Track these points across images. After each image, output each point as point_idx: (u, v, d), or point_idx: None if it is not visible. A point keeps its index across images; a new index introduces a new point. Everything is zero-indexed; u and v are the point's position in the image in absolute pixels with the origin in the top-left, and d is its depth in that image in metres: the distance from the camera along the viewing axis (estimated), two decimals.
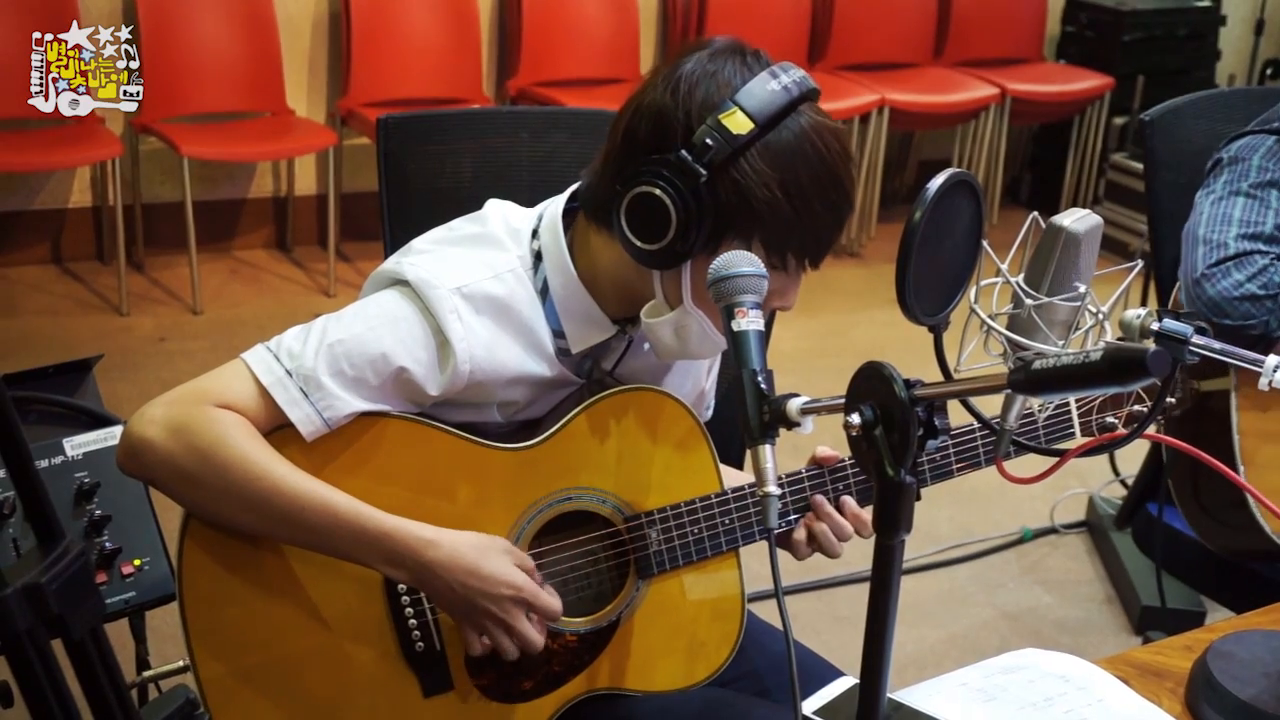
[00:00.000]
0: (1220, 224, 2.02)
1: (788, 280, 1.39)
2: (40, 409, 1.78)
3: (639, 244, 1.36)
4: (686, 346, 1.41)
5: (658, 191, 1.33)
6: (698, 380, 1.64)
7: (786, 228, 1.34)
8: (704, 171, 1.31)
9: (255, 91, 4.52)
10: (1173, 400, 1.59)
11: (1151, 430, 1.52)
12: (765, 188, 1.31)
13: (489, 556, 1.36)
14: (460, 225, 1.49)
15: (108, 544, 1.63)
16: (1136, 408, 1.56)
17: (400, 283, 1.42)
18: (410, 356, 1.37)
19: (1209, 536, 2.14)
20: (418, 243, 1.48)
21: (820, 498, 1.52)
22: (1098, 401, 1.57)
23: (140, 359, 3.98)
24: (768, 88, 1.32)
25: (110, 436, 1.67)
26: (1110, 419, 1.56)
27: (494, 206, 1.50)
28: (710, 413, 1.73)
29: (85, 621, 0.73)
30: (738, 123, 1.31)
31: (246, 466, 1.32)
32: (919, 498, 1.02)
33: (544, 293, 1.44)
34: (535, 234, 1.45)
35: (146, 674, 1.74)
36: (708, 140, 1.31)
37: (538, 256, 1.44)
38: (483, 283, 1.41)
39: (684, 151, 1.32)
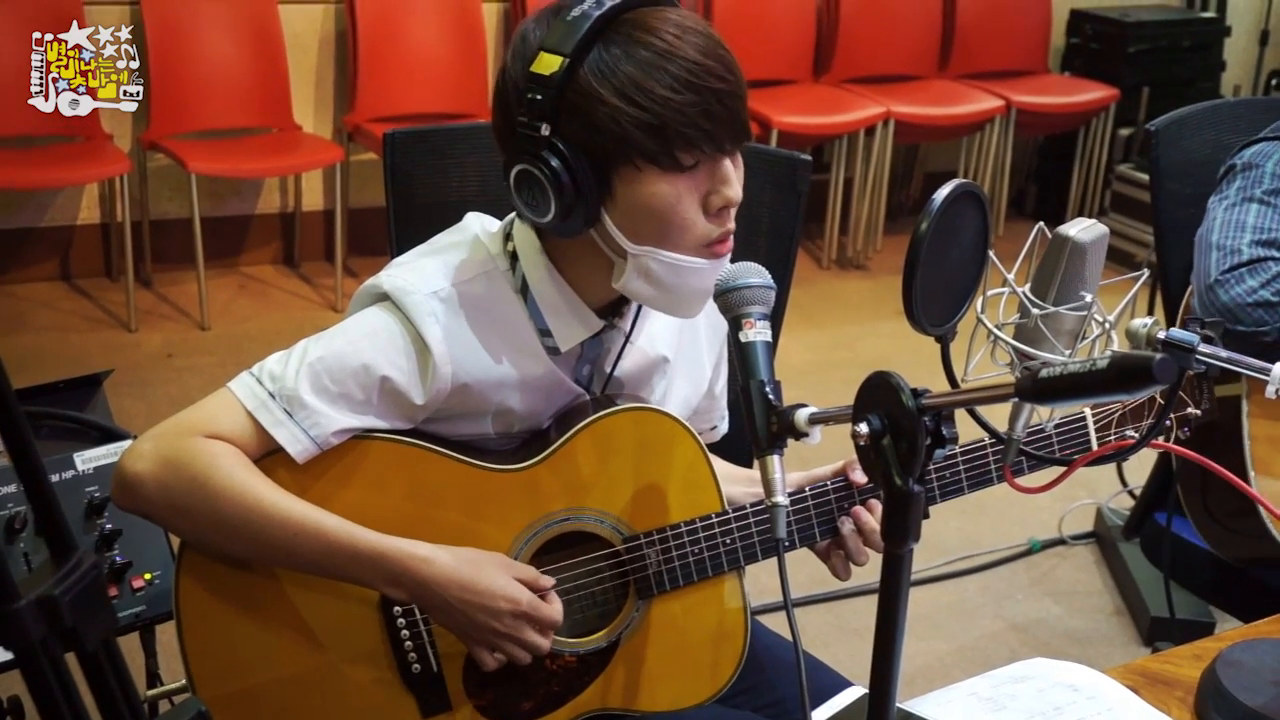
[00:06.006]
0: (1234, 230, 2.01)
1: (711, 174, 1.34)
2: (51, 424, 1.79)
3: (542, 221, 1.35)
4: (668, 287, 1.37)
5: (523, 167, 1.32)
6: (699, 383, 1.61)
7: (653, 130, 1.28)
8: (544, 124, 1.30)
9: (262, 108, 4.54)
10: (1198, 411, 1.56)
11: (1168, 440, 1.52)
12: (601, 103, 1.28)
13: (485, 570, 1.36)
14: (439, 238, 1.50)
15: (118, 558, 1.63)
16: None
17: (380, 299, 1.42)
18: (391, 365, 1.37)
19: (1218, 544, 2.13)
20: (398, 258, 1.48)
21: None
22: (1116, 416, 1.55)
23: (149, 375, 3.99)
24: (568, 19, 1.30)
25: (121, 451, 1.68)
26: (1130, 432, 1.53)
27: (471, 217, 1.50)
28: (725, 424, 1.71)
29: (98, 633, 0.74)
30: (547, 64, 1.29)
31: (237, 497, 1.32)
32: (927, 515, 1.02)
33: (524, 291, 1.43)
34: (509, 236, 1.45)
35: (152, 691, 1.74)
36: (534, 96, 1.30)
37: (514, 257, 1.44)
38: (459, 285, 1.41)
39: (521, 117, 1.31)
